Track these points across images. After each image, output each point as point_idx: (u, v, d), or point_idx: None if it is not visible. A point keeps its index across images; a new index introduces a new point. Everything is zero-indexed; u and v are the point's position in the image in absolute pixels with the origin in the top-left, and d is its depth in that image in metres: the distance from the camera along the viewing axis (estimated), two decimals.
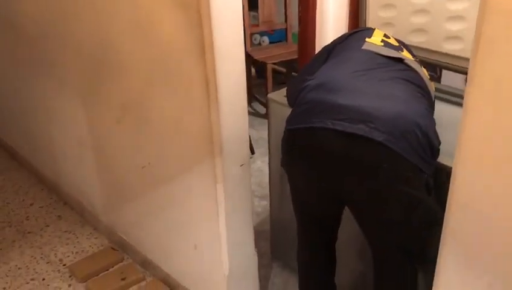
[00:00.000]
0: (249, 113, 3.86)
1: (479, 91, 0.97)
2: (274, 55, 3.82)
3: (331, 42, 1.72)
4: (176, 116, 1.76)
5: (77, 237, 2.60)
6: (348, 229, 1.66)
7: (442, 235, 1.15)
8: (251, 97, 4.02)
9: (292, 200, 1.65)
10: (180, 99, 1.71)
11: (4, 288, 2.28)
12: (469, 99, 0.99)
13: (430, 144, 1.34)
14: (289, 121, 1.47)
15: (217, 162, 1.66)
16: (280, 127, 1.54)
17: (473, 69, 0.96)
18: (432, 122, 1.40)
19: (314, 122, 1.36)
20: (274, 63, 3.79)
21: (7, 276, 2.35)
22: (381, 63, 1.52)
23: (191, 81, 1.61)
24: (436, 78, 2.45)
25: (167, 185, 1.95)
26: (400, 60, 1.54)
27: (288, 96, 1.77)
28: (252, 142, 3.33)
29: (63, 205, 2.88)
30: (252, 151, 3.32)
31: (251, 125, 3.60)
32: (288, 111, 1.52)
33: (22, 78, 2.79)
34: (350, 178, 1.37)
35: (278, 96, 2.02)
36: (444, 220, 1.13)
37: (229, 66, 1.56)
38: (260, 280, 2.20)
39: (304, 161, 1.46)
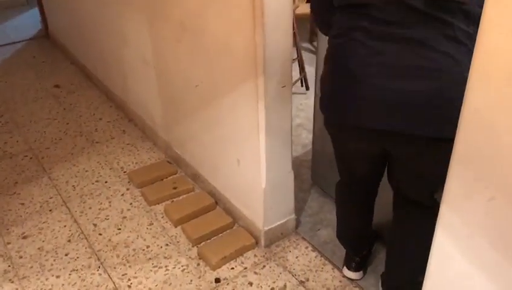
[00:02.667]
0: (310, 51, 3.95)
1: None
2: None
3: None
4: (226, 37, 1.88)
5: (138, 150, 2.87)
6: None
7: (452, 152, 1.22)
8: (313, 35, 4.05)
9: (338, 159, 1.75)
10: (230, 20, 1.82)
11: (73, 186, 2.59)
12: (487, 9, 1.02)
13: None
14: (322, 108, 1.56)
15: (259, 82, 1.78)
16: None
17: None
18: None
19: (343, 119, 1.48)
20: None
21: (76, 176, 2.66)
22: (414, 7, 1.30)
23: (239, 2, 1.72)
24: None
25: (216, 103, 2.11)
26: None
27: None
28: (308, 79, 3.41)
29: (128, 121, 3.15)
30: (307, 88, 3.41)
31: (310, 63, 3.68)
32: None
33: (96, 3, 3.00)
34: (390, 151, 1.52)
35: None
36: (456, 136, 1.19)
37: None
38: (298, 202, 2.36)
39: (346, 140, 1.61)
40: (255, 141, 1.94)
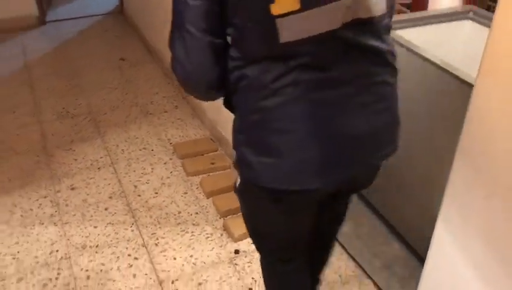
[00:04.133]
0: None
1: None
2: None
3: None
4: None
5: (186, 125, 3.04)
6: None
7: (456, 153, 1.27)
8: None
9: (283, 233, 1.40)
10: None
11: (122, 149, 2.81)
12: (497, 17, 1.07)
13: None
14: (292, 179, 1.17)
15: None
16: None
17: None
18: None
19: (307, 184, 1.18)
20: None
21: (126, 142, 2.88)
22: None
23: None
24: None
25: None
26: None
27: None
28: None
29: (182, 98, 3.33)
30: None
31: None
32: None
33: None
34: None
35: None
36: (462, 132, 1.23)
37: None
38: None
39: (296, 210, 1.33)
40: None
